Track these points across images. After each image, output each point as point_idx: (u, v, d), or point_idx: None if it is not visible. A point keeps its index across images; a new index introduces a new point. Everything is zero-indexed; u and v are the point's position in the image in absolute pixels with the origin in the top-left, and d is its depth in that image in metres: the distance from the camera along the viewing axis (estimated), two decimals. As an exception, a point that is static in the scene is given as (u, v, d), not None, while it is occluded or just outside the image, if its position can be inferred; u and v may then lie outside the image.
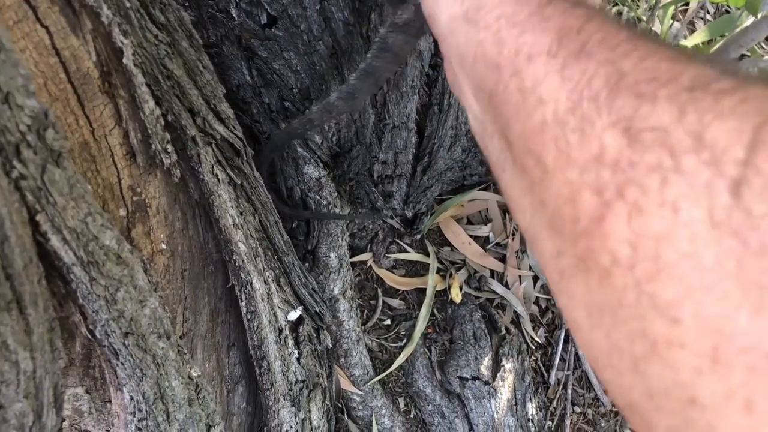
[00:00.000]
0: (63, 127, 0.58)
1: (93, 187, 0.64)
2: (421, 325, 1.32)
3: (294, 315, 0.97)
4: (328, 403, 1.10)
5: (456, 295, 1.35)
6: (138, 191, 0.70)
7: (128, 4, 0.58)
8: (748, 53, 1.47)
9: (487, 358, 1.31)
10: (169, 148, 0.68)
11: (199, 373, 0.79)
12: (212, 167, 0.76)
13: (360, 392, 1.25)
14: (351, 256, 1.29)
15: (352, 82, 0.81)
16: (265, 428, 0.99)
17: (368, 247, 1.34)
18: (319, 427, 1.06)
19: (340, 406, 1.25)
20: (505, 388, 1.30)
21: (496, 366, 1.32)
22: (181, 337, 0.85)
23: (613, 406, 1.45)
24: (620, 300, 0.25)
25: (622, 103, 0.26)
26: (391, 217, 1.34)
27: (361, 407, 1.25)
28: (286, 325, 0.96)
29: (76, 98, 0.58)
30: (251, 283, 0.87)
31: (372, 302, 1.34)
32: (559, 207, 0.28)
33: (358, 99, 0.83)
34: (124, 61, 0.59)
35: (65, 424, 0.78)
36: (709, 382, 0.21)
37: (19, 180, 0.48)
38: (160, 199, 0.74)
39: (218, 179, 0.77)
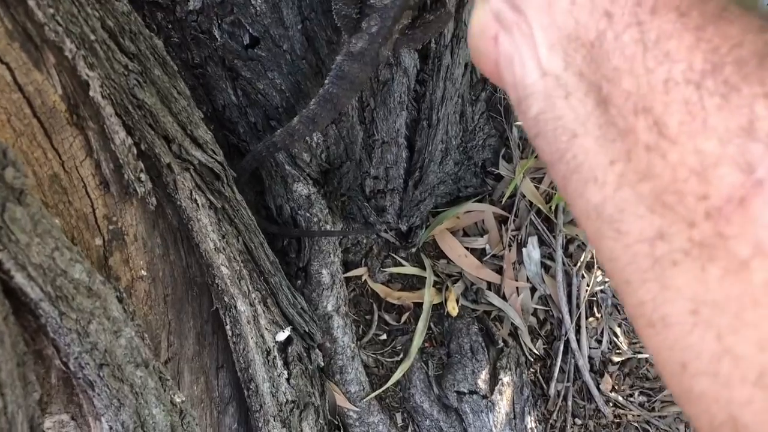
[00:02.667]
0: (30, 162, 0.58)
1: (66, 219, 0.64)
2: (417, 340, 1.31)
3: (282, 336, 0.97)
4: (321, 421, 1.10)
5: (452, 309, 1.34)
6: (114, 220, 0.70)
7: (93, 37, 0.58)
8: None
9: (484, 372, 1.30)
10: (143, 176, 0.68)
11: (183, 399, 0.79)
12: (190, 193, 0.76)
13: (356, 409, 1.24)
14: (345, 272, 1.29)
15: (311, 108, 0.82)
16: (256, 449, 0.98)
17: (363, 261, 1.33)
18: (312, 446, 1.05)
19: (337, 423, 1.24)
20: (503, 401, 1.29)
21: (494, 379, 1.31)
22: (166, 362, 0.85)
23: (616, 417, 1.44)
24: (757, 299, 0.21)
25: None
26: (386, 231, 1.33)
27: (357, 424, 1.24)
28: (274, 346, 0.95)
29: (42, 132, 0.58)
30: (235, 306, 0.86)
31: (367, 317, 1.33)
32: (678, 180, 0.24)
33: (318, 124, 0.84)
34: (91, 93, 0.59)
35: (53, 450, 0.78)
36: None
37: (-23, 220, 0.48)
38: (137, 227, 0.73)
39: (197, 204, 0.77)
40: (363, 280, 1.33)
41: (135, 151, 0.66)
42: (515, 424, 1.30)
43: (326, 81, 0.82)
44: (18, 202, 0.51)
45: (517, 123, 1.32)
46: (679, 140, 0.24)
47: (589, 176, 0.28)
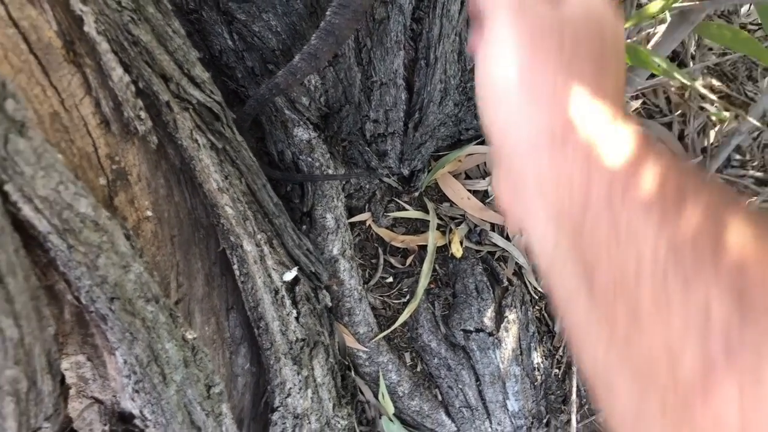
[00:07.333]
0: (29, 99, 0.59)
1: (68, 157, 0.65)
2: (423, 281, 1.33)
3: (289, 276, 0.98)
4: (332, 360, 1.12)
5: (457, 250, 1.36)
6: (116, 159, 0.71)
7: (84, -29, 0.58)
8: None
9: (490, 310, 1.32)
10: (143, 114, 0.69)
11: (195, 336, 0.81)
12: (191, 132, 0.76)
13: (366, 349, 1.26)
14: (349, 217, 1.30)
15: (313, 43, 0.81)
16: (269, 387, 1.01)
17: (366, 207, 1.34)
18: (323, 383, 1.08)
19: (347, 363, 1.27)
20: (509, 338, 1.31)
21: (500, 317, 1.33)
22: (176, 303, 0.87)
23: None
24: None
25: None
26: (388, 176, 1.34)
27: (367, 363, 1.27)
28: (282, 285, 0.97)
29: (40, 69, 0.59)
30: (242, 246, 0.88)
31: (373, 261, 1.35)
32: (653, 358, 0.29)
33: (320, 59, 0.83)
34: (86, 29, 0.60)
35: (72, 391, 0.80)
36: None
37: (-18, 151, 0.49)
38: (140, 167, 0.74)
39: (198, 144, 0.78)
40: (367, 225, 1.34)
41: (133, 89, 0.67)
42: (522, 359, 1.33)
43: (327, 12, 0.81)
44: (20, 134, 0.52)
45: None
46: (649, 330, 0.29)
47: (587, 335, 0.33)
